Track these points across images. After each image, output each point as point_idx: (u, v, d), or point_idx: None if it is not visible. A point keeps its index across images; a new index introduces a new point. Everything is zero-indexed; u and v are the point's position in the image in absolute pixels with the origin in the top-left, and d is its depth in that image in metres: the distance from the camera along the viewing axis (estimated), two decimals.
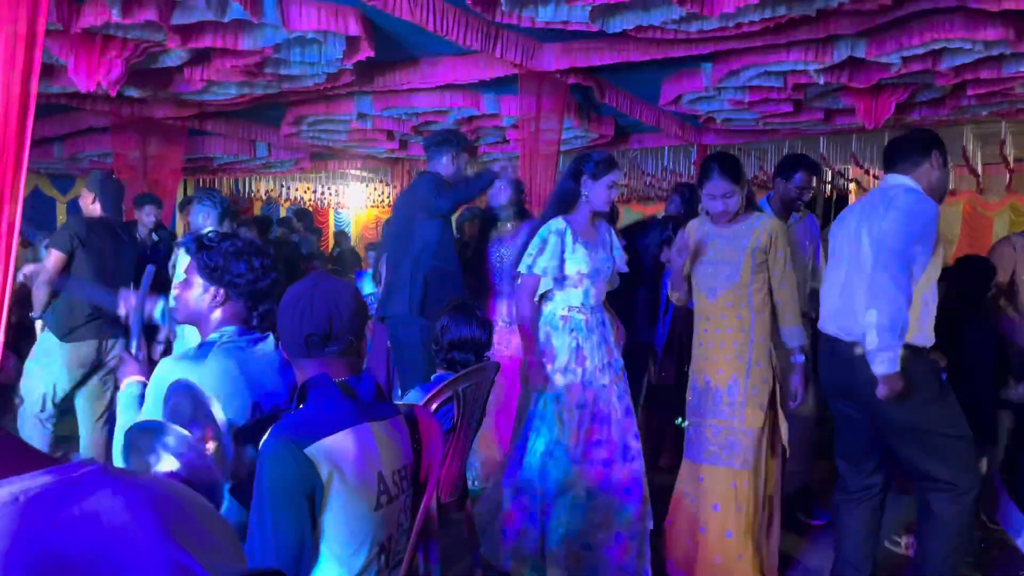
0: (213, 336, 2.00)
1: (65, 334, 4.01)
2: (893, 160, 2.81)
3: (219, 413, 1.64)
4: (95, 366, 4.15)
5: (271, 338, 2.09)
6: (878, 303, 2.50)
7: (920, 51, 4.68)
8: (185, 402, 1.67)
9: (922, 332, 2.65)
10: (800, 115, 6.65)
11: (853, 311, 2.68)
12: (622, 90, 6.24)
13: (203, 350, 1.97)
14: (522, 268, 3.10)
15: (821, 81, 5.39)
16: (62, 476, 0.72)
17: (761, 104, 6.25)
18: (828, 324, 2.86)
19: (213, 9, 4.07)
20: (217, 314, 2.02)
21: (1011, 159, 7.87)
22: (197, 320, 2.06)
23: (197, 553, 0.75)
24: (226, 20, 4.22)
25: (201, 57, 5.12)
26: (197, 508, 0.82)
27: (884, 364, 2.50)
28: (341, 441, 1.51)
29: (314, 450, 1.47)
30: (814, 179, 3.89)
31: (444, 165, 4.07)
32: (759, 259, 3.01)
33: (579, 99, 6.64)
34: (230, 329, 2.00)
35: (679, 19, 4.21)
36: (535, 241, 3.09)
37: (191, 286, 2.04)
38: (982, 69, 5.03)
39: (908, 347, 2.58)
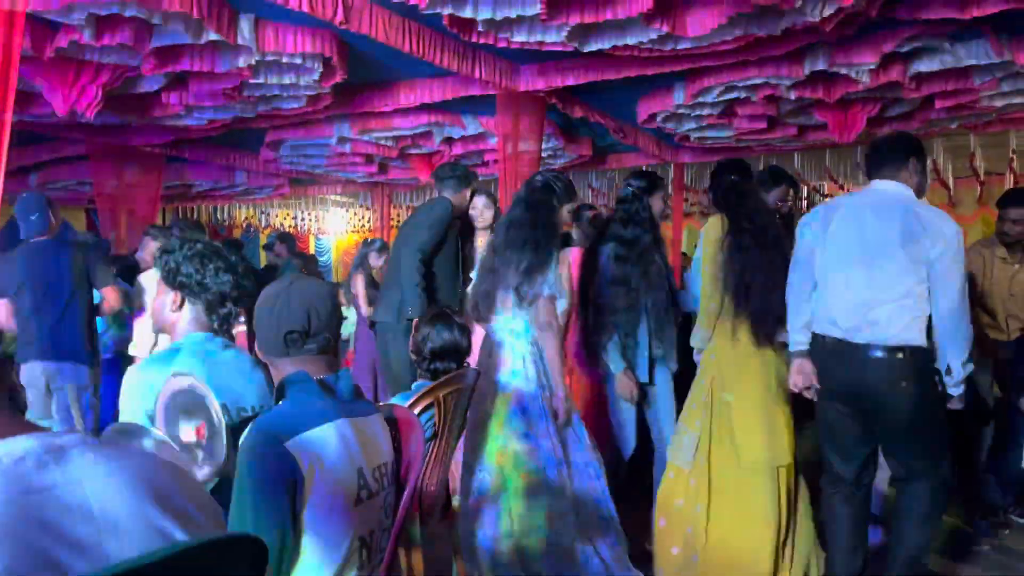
0: (178, 342, 2.02)
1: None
2: (880, 164, 2.85)
3: (216, 408, 1.65)
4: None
5: (239, 345, 2.10)
6: (959, 344, 2.67)
7: (888, 51, 4.75)
8: (182, 396, 1.67)
9: (924, 334, 2.72)
10: (774, 131, 6.76)
11: (868, 313, 2.71)
12: (598, 109, 6.32)
13: (168, 354, 1.98)
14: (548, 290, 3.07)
15: (792, 96, 5.49)
16: (45, 442, 0.73)
17: (735, 120, 6.35)
18: (830, 327, 2.83)
19: (190, 32, 4.09)
20: (181, 320, 2.04)
21: (981, 172, 8.02)
22: (162, 326, 2.10)
23: (177, 518, 0.76)
24: (202, 42, 4.25)
25: (178, 81, 5.13)
26: (177, 477, 0.83)
27: (959, 389, 2.71)
28: (321, 435, 1.52)
29: (294, 444, 1.47)
30: (791, 192, 3.95)
31: (455, 194, 4.35)
32: None
33: (556, 119, 6.71)
34: (197, 336, 2.02)
35: (653, 40, 4.28)
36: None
37: (158, 294, 2.08)
38: (948, 80, 5.15)
39: (921, 350, 2.69)
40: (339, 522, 1.51)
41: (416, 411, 2.29)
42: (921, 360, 2.70)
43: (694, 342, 3.31)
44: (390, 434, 1.71)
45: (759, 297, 3.06)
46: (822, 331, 2.87)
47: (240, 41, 4.20)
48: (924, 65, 4.92)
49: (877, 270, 2.71)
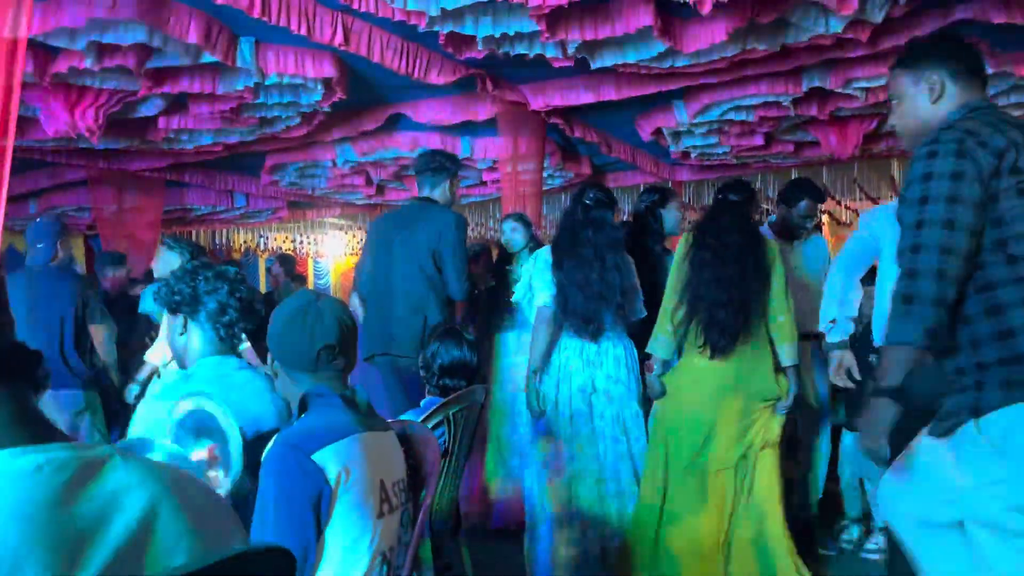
0: (192, 367, 2.01)
1: None
2: None
3: (229, 425, 1.63)
4: None
5: (259, 366, 2.08)
6: None
7: (883, 81, 4.82)
8: (191, 418, 1.66)
9: None
10: (771, 148, 6.79)
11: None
12: (598, 129, 6.35)
13: (180, 381, 1.97)
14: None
15: (791, 113, 5.53)
16: (82, 453, 0.72)
17: (733, 138, 6.38)
18: None
19: (189, 55, 4.12)
20: (192, 343, 2.02)
21: None
22: (181, 358, 2.06)
23: (208, 530, 0.75)
24: (202, 62, 4.27)
25: (178, 105, 5.15)
26: (204, 492, 0.82)
27: None
28: (348, 447, 1.51)
29: (323, 455, 1.47)
30: (818, 206, 3.93)
31: (443, 192, 3.75)
32: None
33: (556, 139, 6.74)
34: (210, 360, 1.99)
35: (652, 57, 4.31)
36: None
37: (170, 326, 2.06)
38: None
39: None
40: (363, 534, 1.50)
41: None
42: None
43: (651, 348, 3.20)
44: (404, 450, 1.70)
45: (707, 311, 3.01)
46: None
47: (240, 64, 4.22)
48: None
49: None
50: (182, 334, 2.03)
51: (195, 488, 0.80)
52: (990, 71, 4.60)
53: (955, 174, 1.62)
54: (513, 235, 4.36)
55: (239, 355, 2.10)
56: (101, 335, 4.17)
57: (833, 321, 2.96)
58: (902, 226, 1.71)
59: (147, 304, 4.23)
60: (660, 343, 3.12)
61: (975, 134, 1.65)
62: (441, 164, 3.72)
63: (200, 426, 1.62)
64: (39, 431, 0.75)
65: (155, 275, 4.62)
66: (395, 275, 3.57)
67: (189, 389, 1.84)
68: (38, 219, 4.31)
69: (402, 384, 3.52)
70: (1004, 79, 4.99)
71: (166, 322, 2.13)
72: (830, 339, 2.96)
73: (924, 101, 1.87)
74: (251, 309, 2.03)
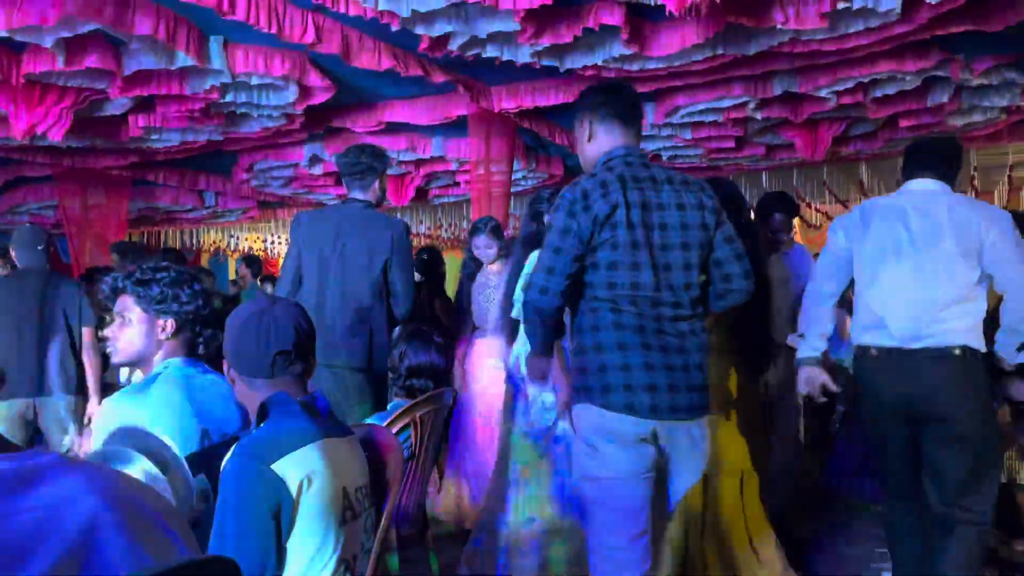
0: (158, 369, 1.95)
1: None
2: (921, 165, 2.79)
3: (170, 450, 1.59)
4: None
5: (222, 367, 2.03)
6: None
7: (852, 84, 4.89)
8: (131, 445, 1.61)
9: (982, 338, 2.61)
10: (742, 151, 6.85)
11: (924, 316, 2.59)
12: (569, 130, 6.35)
13: (146, 383, 1.91)
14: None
15: (760, 116, 5.58)
16: (19, 463, 0.70)
17: (704, 141, 6.43)
18: (880, 335, 2.69)
19: (158, 53, 4.06)
20: (165, 350, 1.96)
21: None
22: (142, 358, 1.98)
23: (156, 545, 0.73)
24: (173, 68, 4.20)
25: (145, 104, 5.08)
26: (156, 502, 0.80)
27: None
28: (308, 454, 1.49)
29: (282, 465, 1.44)
30: (792, 220, 3.94)
31: (373, 193, 3.40)
32: None
33: (527, 140, 6.74)
34: (176, 360, 1.95)
35: (621, 57, 4.33)
36: None
37: (130, 324, 1.96)
38: (910, 99, 5.28)
39: (981, 355, 2.58)
40: (326, 542, 1.48)
41: (393, 431, 2.25)
42: (982, 365, 2.56)
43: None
44: (367, 456, 1.68)
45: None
46: (870, 342, 2.71)
47: (209, 63, 4.17)
48: (885, 88, 5.04)
49: (929, 269, 2.60)
50: (168, 338, 1.96)
51: (143, 499, 0.78)
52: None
53: (563, 231, 2.05)
54: (487, 251, 4.28)
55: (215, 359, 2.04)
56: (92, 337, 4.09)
57: (801, 336, 2.92)
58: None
59: None
60: None
61: (587, 196, 2.05)
62: (369, 165, 3.37)
63: (142, 449, 1.58)
64: None
65: None
66: (336, 284, 3.21)
67: (155, 393, 1.81)
68: (29, 223, 4.21)
69: (348, 396, 3.15)
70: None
71: (118, 315, 2.04)
72: (799, 354, 2.90)
73: (583, 140, 2.22)
74: (216, 315, 2.01)
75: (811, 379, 2.84)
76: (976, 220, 2.58)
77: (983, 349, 2.59)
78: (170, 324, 1.94)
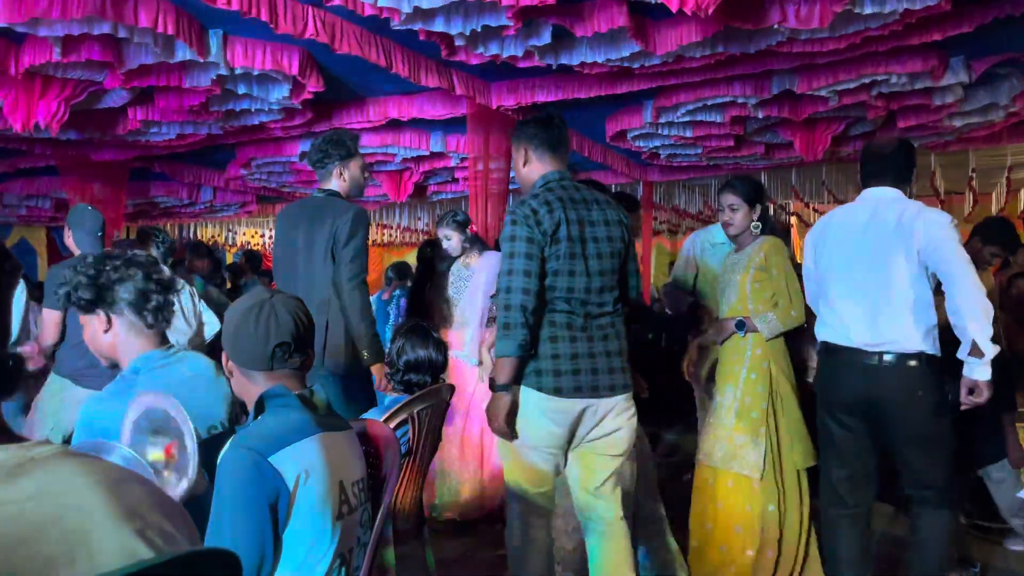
0: (134, 364, 1.90)
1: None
2: (876, 172, 2.86)
3: (189, 427, 1.58)
4: None
5: (200, 356, 2.00)
6: (977, 314, 2.55)
7: (852, 85, 4.90)
8: (150, 415, 1.61)
9: (937, 342, 2.71)
10: (741, 150, 6.85)
11: (880, 320, 2.70)
12: (568, 128, 6.34)
13: (125, 382, 1.87)
14: None
15: (759, 115, 5.58)
16: (14, 453, 0.70)
17: (703, 140, 6.42)
18: (841, 336, 2.81)
19: (158, 46, 4.04)
20: (120, 339, 1.90)
21: (942, 191, 8.18)
22: (111, 355, 1.95)
23: (154, 536, 0.73)
24: (173, 62, 4.19)
25: (144, 97, 5.07)
26: (153, 493, 0.80)
27: (987, 370, 2.55)
28: (306, 448, 1.49)
29: (280, 458, 1.44)
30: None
31: (340, 182, 3.30)
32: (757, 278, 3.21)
33: None
34: (151, 354, 1.90)
35: (624, 57, 4.32)
36: None
37: (85, 328, 1.94)
38: (910, 99, 5.28)
39: (935, 359, 2.68)
40: (322, 536, 1.48)
41: (391, 426, 2.25)
42: (935, 369, 2.68)
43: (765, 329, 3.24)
44: (365, 450, 1.68)
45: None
46: (833, 340, 2.84)
47: (208, 57, 4.16)
48: (885, 87, 5.04)
49: (881, 277, 2.70)
50: (107, 331, 1.90)
51: (141, 492, 0.78)
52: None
53: (528, 239, 2.39)
54: (446, 242, 4.42)
55: (166, 327, 1.98)
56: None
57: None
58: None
59: None
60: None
61: (536, 213, 2.41)
62: (326, 152, 3.26)
63: (156, 426, 1.58)
64: None
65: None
66: (297, 277, 3.17)
67: (140, 387, 1.80)
68: (88, 206, 4.11)
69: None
70: None
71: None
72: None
73: (520, 164, 2.62)
74: (171, 288, 1.93)
75: None
76: (917, 223, 2.67)
77: (939, 354, 2.70)
78: (101, 319, 1.89)
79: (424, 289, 4.75)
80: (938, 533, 2.78)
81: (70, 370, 3.69)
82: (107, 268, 1.86)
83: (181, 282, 3.55)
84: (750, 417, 3.17)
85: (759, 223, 3.28)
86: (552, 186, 2.50)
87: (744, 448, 3.17)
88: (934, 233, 2.63)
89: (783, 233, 3.84)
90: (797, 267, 3.25)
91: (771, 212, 3.54)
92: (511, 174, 5.95)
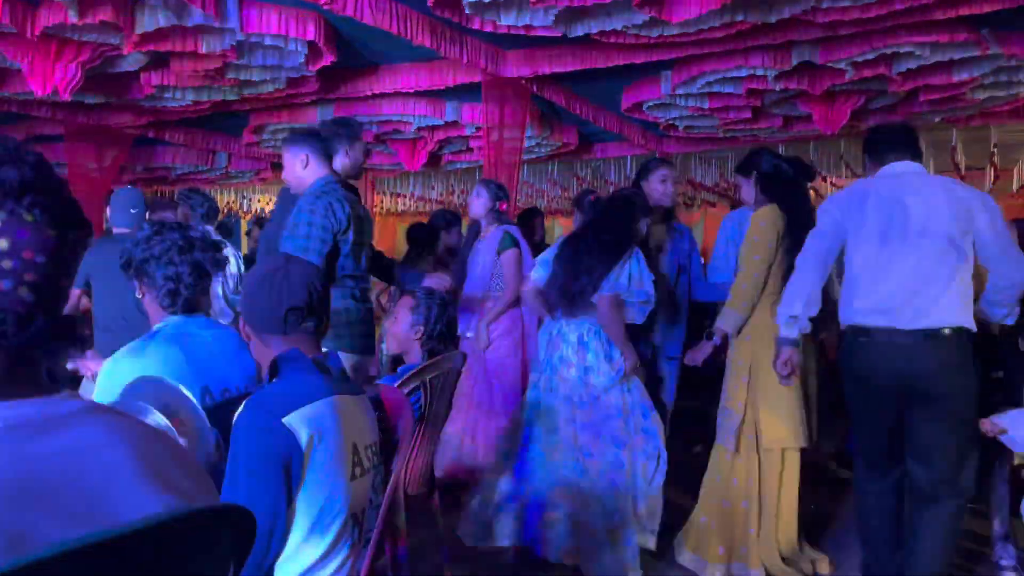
0: (158, 326, 2.02)
1: None
2: (894, 147, 2.88)
3: (189, 405, 1.62)
4: None
5: (227, 328, 2.08)
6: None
7: (872, 56, 4.81)
8: (151, 398, 1.63)
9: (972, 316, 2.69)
10: (759, 122, 6.77)
11: (916, 298, 2.64)
12: (584, 98, 6.29)
13: (144, 340, 1.97)
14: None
15: (778, 88, 5.50)
16: (46, 408, 0.71)
17: (720, 111, 6.35)
18: (873, 315, 2.74)
19: (173, 11, 4.03)
20: (153, 307, 2.04)
21: (963, 167, 8.08)
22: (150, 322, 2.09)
23: (174, 492, 0.75)
24: (188, 25, 4.18)
25: (159, 62, 5.05)
26: (175, 452, 0.82)
27: None
28: (319, 409, 1.51)
29: (293, 418, 1.47)
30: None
31: (341, 166, 3.34)
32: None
33: (542, 107, 6.68)
34: (175, 318, 2.01)
35: (640, 24, 4.27)
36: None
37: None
38: (933, 74, 5.19)
39: (971, 334, 2.66)
40: (334, 496, 1.50)
41: (404, 392, 2.27)
42: (970, 345, 2.65)
43: (726, 327, 3.22)
44: (377, 415, 1.70)
45: None
46: (863, 322, 2.76)
47: (224, 22, 4.14)
48: (909, 61, 4.95)
49: (924, 252, 2.65)
50: (143, 298, 2.05)
51: (163, 446, 0.79)
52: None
53: (323, 226, 2.96)
54: (475, 200, 4.42)
55: (206, 313, 2.10)
56: None
57: (795, 317, 2.90)
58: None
59: None
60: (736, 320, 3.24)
61: (332, 207, 2.97)
62: (335, 132, 3.36)
63: (164, 409, 1.60)
64: (18, 389, 0.73)
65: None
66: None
67: (151, 351, 1.85)
68: (128, 185, 4.17)
69: None
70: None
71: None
72: (787, 333, 2.90)
73: (299, 166, 3.12)
74: (203, 269, 2.04)
75: (790, 360, 2.91)
76: (974, 202, 2.67)
77: (974, 328, 2.66)
78: (135, 285, 2.05)
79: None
80: (942, 526, 2.72)
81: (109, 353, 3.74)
82: (153, 242, 2.01)
83: (227, 249, 3.56)
84: (732, 389, 3.24)
85: (764, 192, 3.31)
86: (332, 188, 3.06)
87: (723, 419, 3.28)
88: (994, 218, 2.66)
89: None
90: None
91: (782, 168, 3.40)
92: (526, 144, 5.92)
